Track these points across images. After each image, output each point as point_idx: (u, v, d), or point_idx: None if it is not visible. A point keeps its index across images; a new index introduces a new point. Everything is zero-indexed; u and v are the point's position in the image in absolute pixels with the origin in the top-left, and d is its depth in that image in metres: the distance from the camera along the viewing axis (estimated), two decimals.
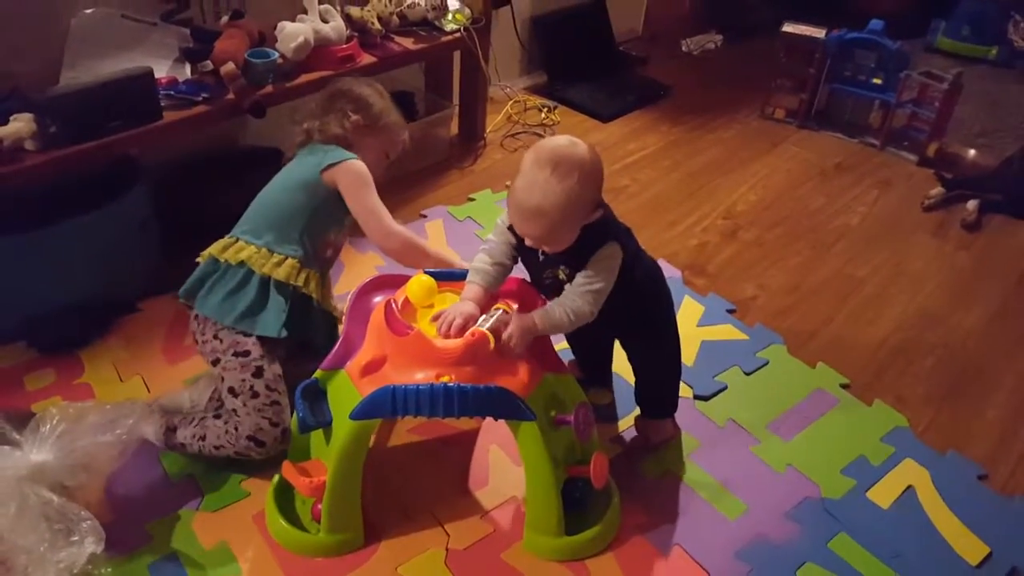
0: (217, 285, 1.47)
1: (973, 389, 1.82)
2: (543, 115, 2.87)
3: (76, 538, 1.19)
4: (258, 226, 1.49)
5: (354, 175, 1.51)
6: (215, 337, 1.45)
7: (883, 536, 1.44)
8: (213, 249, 1.49)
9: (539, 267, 1.37)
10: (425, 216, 2.28)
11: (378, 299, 1.42)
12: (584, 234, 1.28)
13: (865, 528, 1.46)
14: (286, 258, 1.47)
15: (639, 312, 1.46)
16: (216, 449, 1.43)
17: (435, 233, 2.20)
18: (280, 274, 1.45)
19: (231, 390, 1.41)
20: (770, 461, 1.59)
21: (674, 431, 1.62)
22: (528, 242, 1.30)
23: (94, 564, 1.18)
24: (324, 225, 1.53)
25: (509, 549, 1.38)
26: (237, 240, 1.49)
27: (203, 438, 1.43)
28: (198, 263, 1.51)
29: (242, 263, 1.45)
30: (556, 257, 1.32)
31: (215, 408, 1.49)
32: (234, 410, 1.41)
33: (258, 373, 1.41)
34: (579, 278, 1.30)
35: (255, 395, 1.40)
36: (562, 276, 1.33)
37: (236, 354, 1.42)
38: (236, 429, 1.40)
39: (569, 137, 1.28)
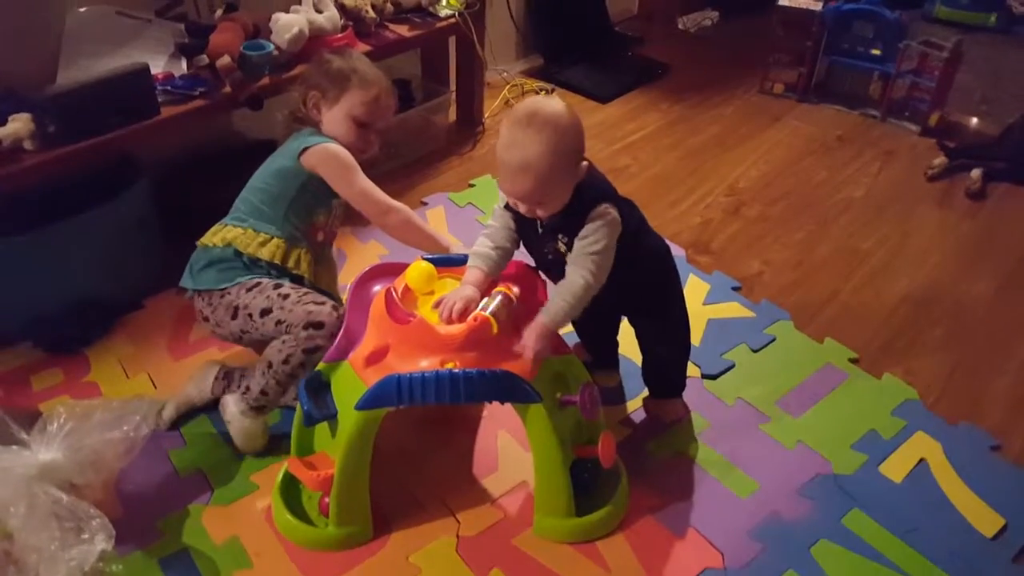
0: (208, 266, 1.48)
1: (983, 358, 1.81)
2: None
3: (87, 536, 1.18)
4: (243, 212, 1.50)
5: (334, 162, 1.48)
6: (222, 297, 1.46)
7: (897, 510, 1.44)
8: (204, 237, 1.50)
9: (539, 242, 1.36)
10: (426, 204, 2.27)
11: (378, 288, 1.41)
12: (576, 197, 1.28)
13: (878, 503, 1.45)
14: (271, 238, 1.47)
15: (646, 290, 1.45)
16: (286, 363, 1.40)
17: (436, 220, 2.19)
18: (265, 254, 1.46)
19: (264, 312, 1.41)
20: (780, 438, 1.58)
21: (683, 411, 1.62)
22: (523, 209, 1.29)
23: (105, 561, 1.18)
24: (309, 209, 1.52)
25: (520, 534, 1.38)
26: (225, 225, 1.50)
27: (269, 365, 1.42)
28: None
29: (229, 244, 1.47)
30: (553, 226, 1.31)
31: (223, 386, 1.51)
32: (278, 321, 1.40)
33: (278, 286, 1.43)
34: (577, 245, 1.29)
35: (285, 297, 1.41)
36: (562, 248, 1.32)
37: (248, 290, 1.43)
38: (290, 331, 1.39)
39: (541, 95, 1.27)
